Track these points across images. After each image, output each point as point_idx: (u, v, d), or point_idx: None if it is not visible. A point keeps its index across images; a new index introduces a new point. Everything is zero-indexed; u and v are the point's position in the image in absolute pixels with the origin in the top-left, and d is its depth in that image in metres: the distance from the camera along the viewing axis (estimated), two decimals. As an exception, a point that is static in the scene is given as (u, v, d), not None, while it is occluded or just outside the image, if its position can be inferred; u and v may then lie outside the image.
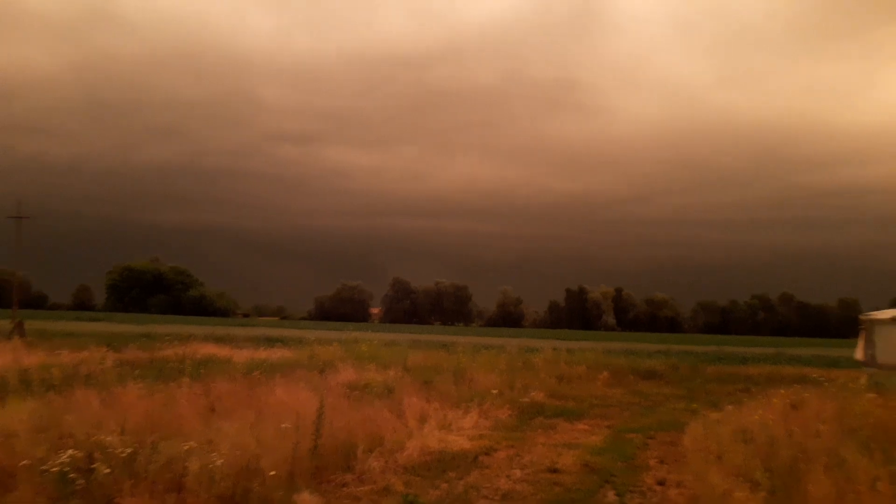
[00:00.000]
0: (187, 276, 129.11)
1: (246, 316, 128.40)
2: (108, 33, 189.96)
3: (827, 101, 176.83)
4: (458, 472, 8.29)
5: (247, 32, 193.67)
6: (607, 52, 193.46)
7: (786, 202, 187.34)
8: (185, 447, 6.70)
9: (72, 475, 5.92)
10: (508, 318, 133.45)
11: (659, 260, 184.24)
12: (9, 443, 6.93)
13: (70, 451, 6.22)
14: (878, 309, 17.43)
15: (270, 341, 31.08)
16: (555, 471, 8.56)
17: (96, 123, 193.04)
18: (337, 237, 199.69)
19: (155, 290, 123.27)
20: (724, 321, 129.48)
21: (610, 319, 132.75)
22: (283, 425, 7.70)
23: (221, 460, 6.44)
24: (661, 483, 8.14)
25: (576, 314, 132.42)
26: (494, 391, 14.18)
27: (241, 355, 21.36)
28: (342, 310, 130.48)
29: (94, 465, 6.14)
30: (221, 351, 22.75)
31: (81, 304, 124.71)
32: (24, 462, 6.22)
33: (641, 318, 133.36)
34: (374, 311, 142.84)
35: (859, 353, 16.71)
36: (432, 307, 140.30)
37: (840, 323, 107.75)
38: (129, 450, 6.52)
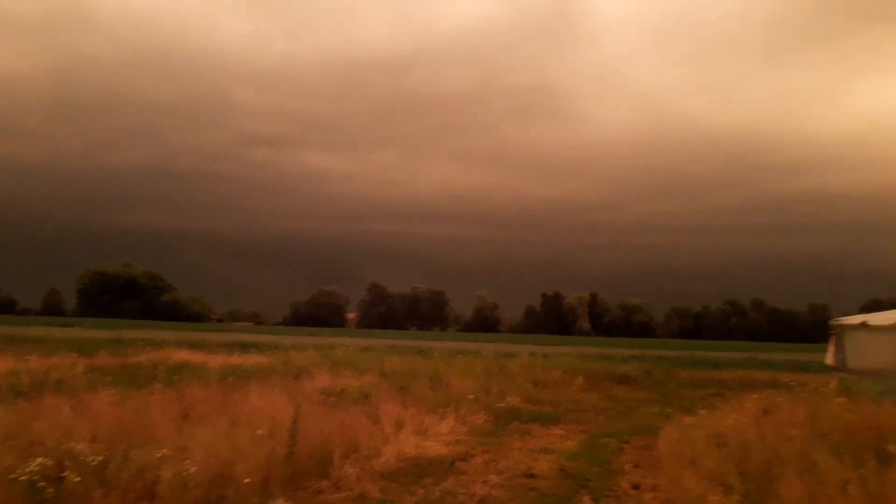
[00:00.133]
0: (160, 281, 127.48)
1: (220, 321, 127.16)
2: (80, 34, 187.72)
3: (797, 109, 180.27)
4: (435, 477, 8.28)
5: (222, 35, 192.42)
6: (582, 60, 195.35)
7: (757, 209, 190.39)
8: (158, 455, 6.61)
9: (41, 484, 5.81)
10: (485, 323, 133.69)
11: (633, 265, 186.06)
12: (-24, 451, 6.79)
13: (39, 459, 6.09)
14: (847, 314, 17.73)
15: (245, 347, 30.80)
16: (531, 476, 8.58)
17: (67, 125, 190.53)
18: (312, 242, 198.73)
19: (127, 295, 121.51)
20: (696, 326, 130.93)
21: (585, 324, 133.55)
22: (258, 432, 7.64)
23: (195, 468, 6.37)
24: (636, 487, 8.21)
25: (551, 319, 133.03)
26: (471, 396, 14.20)
27: (216, 361, 21.15)
28: (318, 315, 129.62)
29: (65, 474, 6.02)
30: (195, 357, 22.48)
31: (51, 309, 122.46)
32: (-9, 471, 6.10)
33: (616, 323, 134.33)
34: (351, 316, 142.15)
35: (830, 358, 16.98)
36: (409, 312, 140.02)
37: (810, 328, 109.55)
38: (100, 458, 6.41)
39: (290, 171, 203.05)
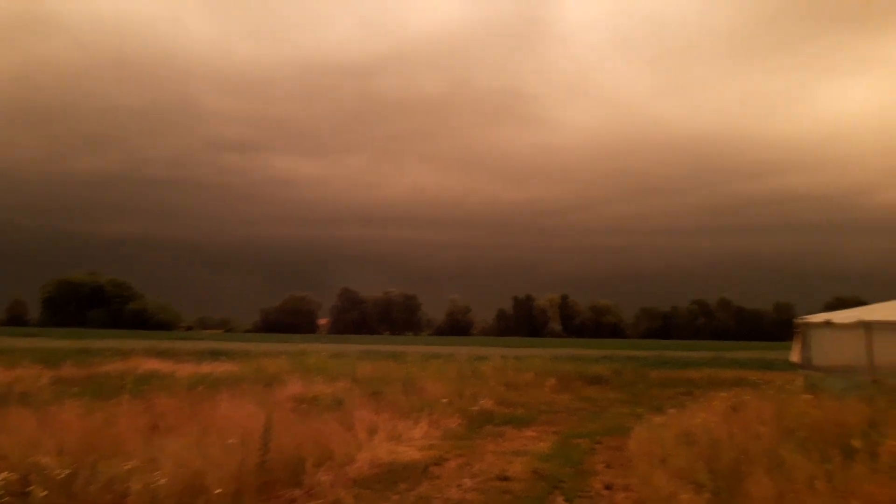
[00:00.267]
0: (127, 289, 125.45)
1: (189, 329, 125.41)
2: (42, 38, 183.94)
3: (761, 112, 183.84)
4: (409, 483, 8.27)
5: (189, 39, 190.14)
6: (551, 65, 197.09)
7: (723, 210, 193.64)
8: (127, 466, 6.52)
9: (6, 499, 5.69)
10: (457, 326, 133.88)
11: (602, 267, 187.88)
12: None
13: (4, 474, 5.97)
14: (812, 312, 18.11)
15: (215, 355, 30.39)
16: (505, 479, 8.62)
17: (30, 131, 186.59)
18: (283, 247, 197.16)
19: (93, 304, 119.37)
20: (665, 326, 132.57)
21: (556, 326, 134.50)
22: (229, 441, 7.56)
23: (165, 479, 6.29)
24: (608, 487, 8.28)
25: (523, 321, 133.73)
26: (444, 400, 14.20)
27: (185, 370, 20.85)
28: (289, 321, 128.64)
29: (30, 488, 5.91)
30: (164, 366, 22.15)
31: (15, 319, 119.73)
32: (-47, 487, 5.95)
33: (586, 324, 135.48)
34: (322, 321, 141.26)
35: (795, 356, 17.32)
36: (381, 317, 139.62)
37: (776, 326, 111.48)
38: (66, 471, 6.30)
39: (260, 177, 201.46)
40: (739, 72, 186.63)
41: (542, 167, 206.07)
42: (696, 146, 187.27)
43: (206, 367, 22.03)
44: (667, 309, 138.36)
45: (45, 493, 5.89)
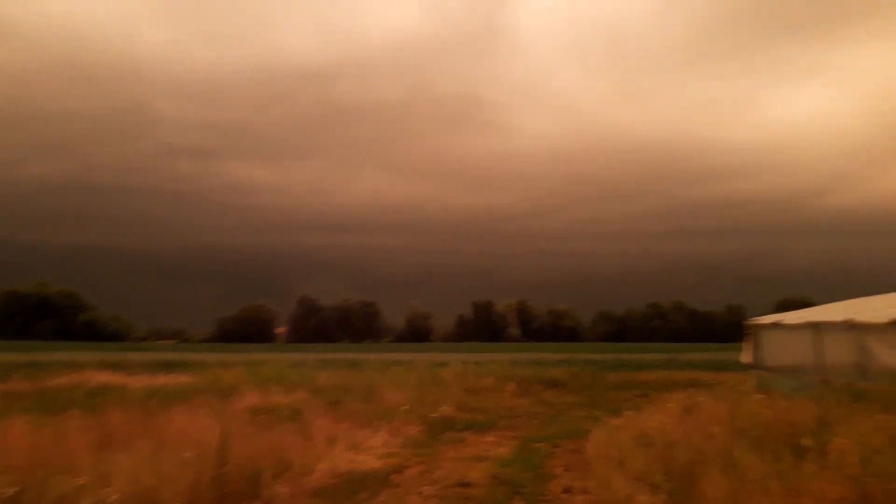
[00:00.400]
0: (77, 300, 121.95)
1: (143, 340, 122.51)
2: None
3: (713, 119, 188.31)
4: (369, 492, 8.20)
5: (142, 43, 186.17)
6: (508, 71, 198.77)
7: (675, 214, 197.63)
8: (77, 483, 6.33)
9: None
10: (417, 332, 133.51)
11: (560, 272, 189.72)
12: None
13: (-54, 496, 5.76)
14: (762, 314, 18.58)
15: (169, 366, 29.79)
16: (465, 485, 8.61)
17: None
18: (239, 255, 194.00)
19: (42, 315, 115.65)
20: (621, 329, 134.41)
21: (515, 331, 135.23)
22: (184, 455, 7.40)
23: (116, 495, 6.13)
24: (567, 491, 8.35)
25: (483, 327, 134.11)
26: (404, 408, 14.16)
27: (138, 382, 20.38)
28: (245, 331, 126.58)
29: (-26, 509, 5.71)
30: (116, 378, 21.61)
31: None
32: None
33: (544, 328, 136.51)
34: (280, 330, 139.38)
35: (746, 357, 17.76)
36: (340, 325, 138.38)
37: (728, 328, 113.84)
38: (14, 489, 6.10)
39: (215, 184, 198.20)
40: (692, 79, 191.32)
41: (500, 173, 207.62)
42: (650, 152, 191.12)
43: (161, 379, 21.58)
44: (623, 312, 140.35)
45: (-9, 513, 5.69)
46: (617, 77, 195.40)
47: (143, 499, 6.34)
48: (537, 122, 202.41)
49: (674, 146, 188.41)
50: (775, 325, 16.92)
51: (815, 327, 15.08)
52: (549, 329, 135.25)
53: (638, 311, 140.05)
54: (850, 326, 13.76)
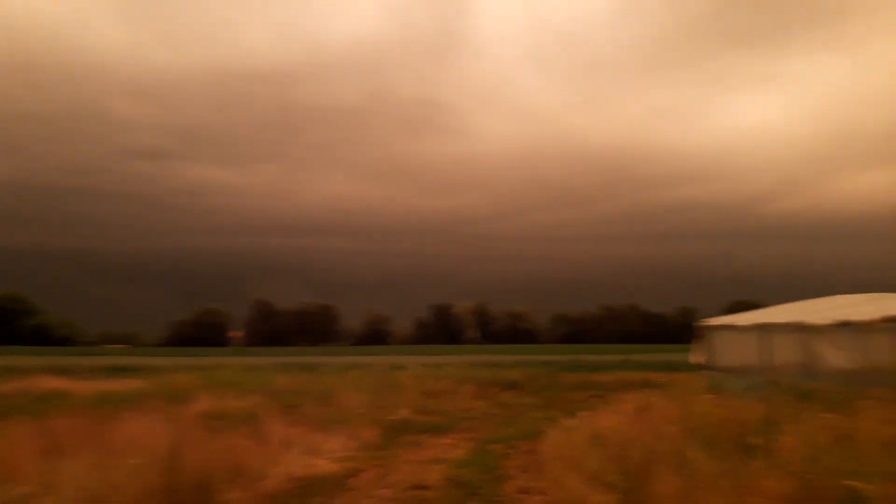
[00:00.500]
0: (24, 304, 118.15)
1: (93, 344, 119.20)
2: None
3: (668, 126, 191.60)
4: (324, 496, 8.13)
5: (97, 43, 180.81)
6: (468, 76, 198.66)
7: (631, 218, 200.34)
8: (21, 492, 6.14)
9: None
10: (376, 336, 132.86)
11: (518, 274, 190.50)
12: None
13: None
14: (713, 315, 19.02)
15: (120, 371, 29.09)
16: (421, 487, 8.60)
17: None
18: (194, 258, 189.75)
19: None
20: (577, 331, 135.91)
21: (473, 333, 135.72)
22: (134, 462, 7.23)
23: (63, 504, 5.96)
24: (523, 491, 8.39)
25: (441, 329, 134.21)
26: (361, 411, 14.08)
27: (87, 388, 19.84)
28: (200, 335, 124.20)
29: None
30: (65, 384, 20.99)
31: None
32: None
33: (503, 330, 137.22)
34: (235, 334, 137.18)
35: (697, 357, 18.16)
36: (298, 328, 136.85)
37: (680, 329, 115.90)
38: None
39: (171, 186, 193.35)
40: (647, 87, 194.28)
41: (460, 176, 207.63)
42: (607, 157, 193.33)
43: (111, 385, 21.07)
44: (579, 314, 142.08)
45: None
46: (576, 83, 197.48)
47: (90, 507, 6.18)
48: (498, 126, 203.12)
49: (630, 152, 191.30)
50: (725, 327, 17.34)
51: (764, 329, 15.49)
52: (508, 331, 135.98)
53: (594, 314, 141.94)
54: (797, 328, 14.17)
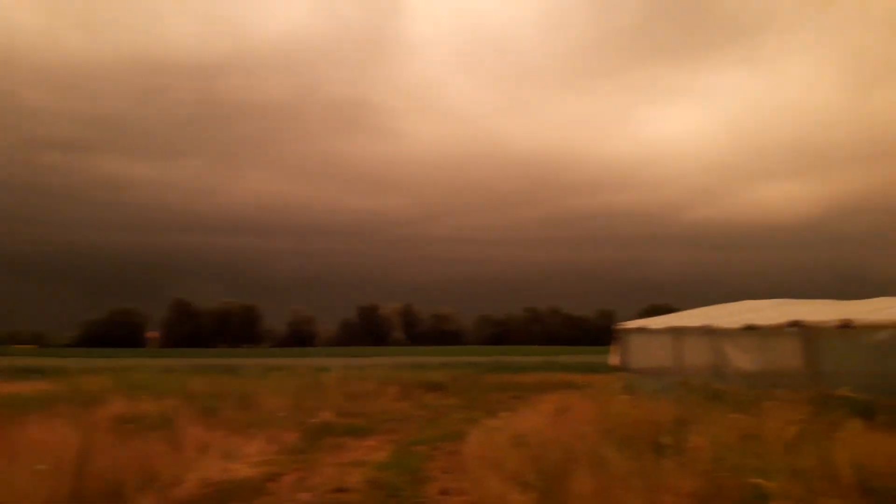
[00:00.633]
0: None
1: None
2: None
3: (589, 133, 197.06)
4: (242, 501, 7.97)
5: (9, 28, 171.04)
6: (399, 77, 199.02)
7: (554, 223, 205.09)
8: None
9: None
10: (300, 337, 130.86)
11: (445, 276, 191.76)
12: None
13: None
14: (630, 319, 19.63)
15: (26, 372, 27.66)
16: (342, 490, 8.55)
17: None
18: (109, 255, 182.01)
19: None
20: (501, 332, 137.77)
21: (400, 335, 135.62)
22: (39, 467, 6.91)
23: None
24: (444, 492, 8.46)
25: (367, 331, 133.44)
26: (282, 414, 13.87)
27: (-12, 390, 18.79)
28: (114, 335, 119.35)
29: None
30: (-38, 387, 19.82)
31: None
32: None
33: (428, 332, 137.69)
34: (152, 335, 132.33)
35: (614, 359, 18.71)
36: (218, 329, 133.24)
37: (599, 332, 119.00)
38: None
39: (86, 178, 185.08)
40: (572, 95, 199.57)
41: (388, 177, 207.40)
42: (533, 163, 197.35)
43: (16, 387, 20.03)
44: (503, 316, 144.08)
45: None
46: (503, 89, 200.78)
47: (-11, 517, 5.87)
48: (427, 128, 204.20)
49: (554, 158, 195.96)
50: (640, 330, 17.92)
51: (676, 332, 16.08)
52: (433, 333, 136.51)
53: (518, 316, 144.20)
54: (707, 331, 14.78)
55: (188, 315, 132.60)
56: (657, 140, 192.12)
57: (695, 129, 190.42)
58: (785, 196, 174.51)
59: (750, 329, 13.48)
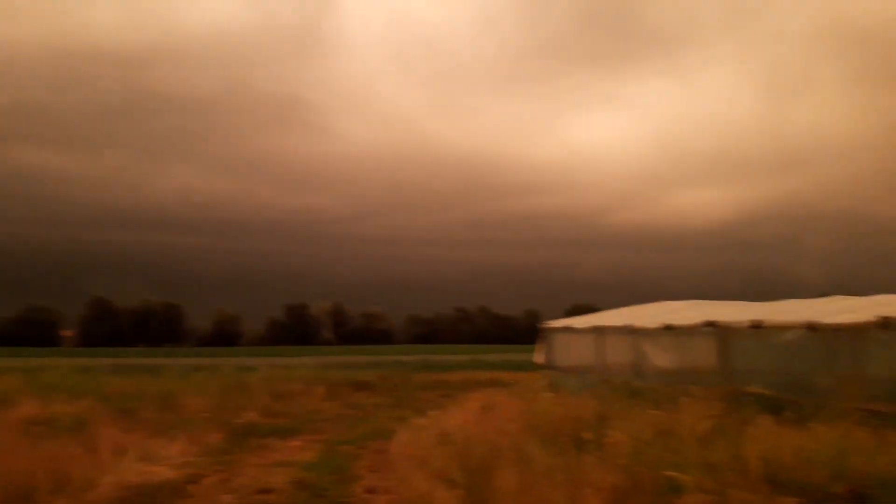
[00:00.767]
0: None
1: None
2: None
3: (521, 138, 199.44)
4: (161, 504, 7.77)
5: None
6: (332, 75, 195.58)
7: (486, 225, 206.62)
8: None
9: None
10: (225, 336, 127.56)
11: (375, 275, 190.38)
12: None
13: None
14: (555, 318, 20.07)
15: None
16: (266, 491, 8.44)
17: None
18: (22, 250, 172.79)
19: None
20: (431, 331, 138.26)
21: (328, 334, 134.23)
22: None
23: None
24: (370, 491, 8.46)
25: (296, 330, 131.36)
26: (205, 415, 13.56)
27: None
28: (27, 334, 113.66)
29: None
30: None
31: None
32: None
33: (358, 331, 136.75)
34: (68, 334, 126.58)
35: (539, 358, 19.10)
36: (138, 328, 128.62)
37: (525, 330, 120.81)
38: None
39: (1, 170, 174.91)
40: (502, 99, 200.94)
41: (319, 175, 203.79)
42: (464, 165, 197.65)
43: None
44: (432, 315, 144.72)
45: None
46: (436, 91, 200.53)
47: None
48: (359, 127, 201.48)
49: (485, 160, 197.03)
50: (565, 329, 18.36)
51: (599, 331, 16.55)
52: (363, 332, 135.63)
53: (447, 315, 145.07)
54: (628, 331, 15.27)
55: (107, 313, 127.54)
56: (584, 145, 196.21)
57: (620, 136, 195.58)
58: (702, 202, 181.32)
59: (668, 329, 14.00)
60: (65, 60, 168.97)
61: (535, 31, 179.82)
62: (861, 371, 10.11)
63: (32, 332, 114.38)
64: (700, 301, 17.27)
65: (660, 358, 14.25)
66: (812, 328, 10.62)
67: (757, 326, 11.71)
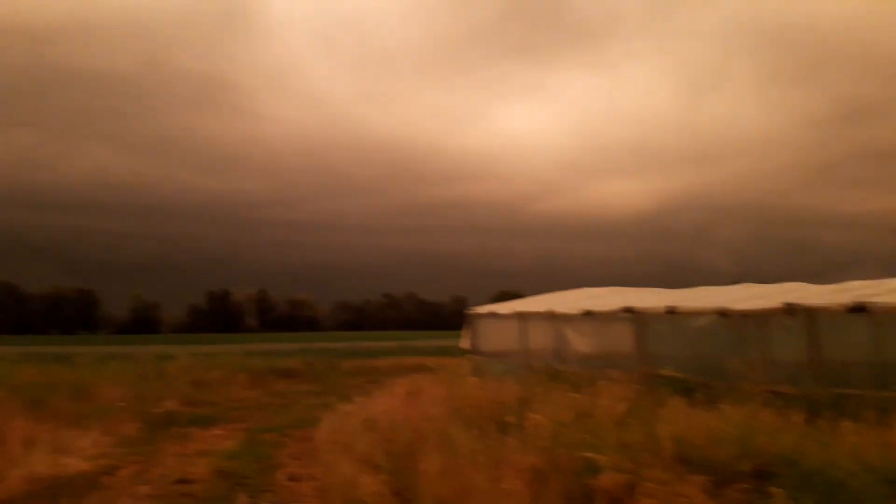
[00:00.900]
0: None
1: None
2: None
3: (447, 125, 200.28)
4: (73, 497, 7.51)
5: None
6: (257, 56, 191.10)
7: (411, 211, 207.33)
8: None
9: None
10: (143, 324, 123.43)
11: (301, 262, 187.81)
12: None
13: None
14: (481, 304, 20.35)
15: None
16: (185, 481, 8.28)
17: None
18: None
19: None
20: (358, 318, 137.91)
21: (252, 321, 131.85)
22: None
23: None
24: (293, 479, 8.42)
25: (218, 317, 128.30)
26: (121, 404, 13.17)
27: None
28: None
29: None
30: None
31: None
32: None
33: (283, 318, 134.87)
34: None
35: (465, 343, 19.35)
36: (49, 315, 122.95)
37: (452, 316, 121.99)
38: None
39: None
40: (429, 86, 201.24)
41: (244, 158, 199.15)
42: (391, 151, 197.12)
43: None
44: (360, 302, 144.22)
45: None
46: (363, 76, 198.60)
47: None
48: (285, 110, 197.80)
49: (412, 148, 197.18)
50: (490, 315, 18.66)
51: (522, 317, 16.90)
52: (289, 319, 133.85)
53: (374, 301, 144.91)
54: (550, 316, 15.66)
55: (15, 299, 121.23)
56: (510, 135, 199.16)
57: (545, 126, 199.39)
58: (623, 192, 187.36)
59: (588, 314, 14.43)
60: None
61: (463, 19, 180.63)
62: (768, 355, 10.70)
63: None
64: (619, 288, 17.87)
65: (580, 343, 14.68)
66: (723, 314, 11.17)
67: (671, 312, 12.23)
